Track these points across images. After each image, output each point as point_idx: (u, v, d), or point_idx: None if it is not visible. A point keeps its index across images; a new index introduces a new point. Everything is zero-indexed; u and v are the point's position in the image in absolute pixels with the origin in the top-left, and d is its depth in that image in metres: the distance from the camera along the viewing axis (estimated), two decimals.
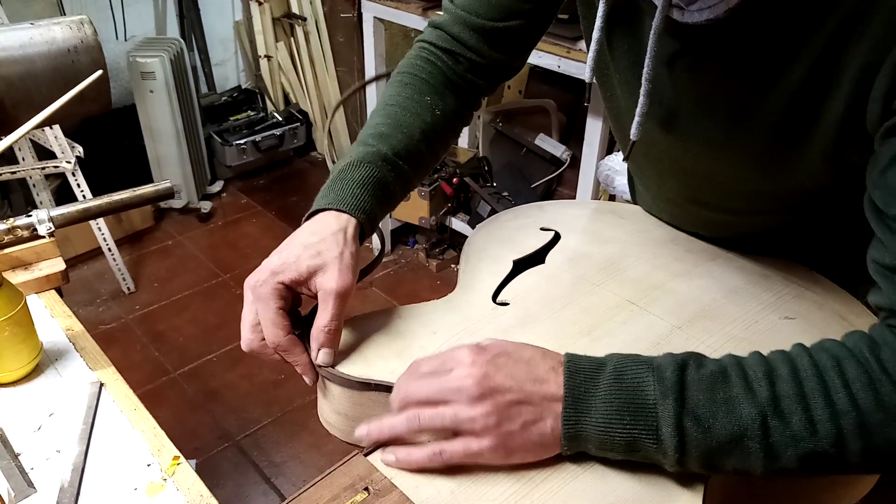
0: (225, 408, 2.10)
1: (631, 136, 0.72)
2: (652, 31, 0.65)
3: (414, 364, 0.62)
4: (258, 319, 0.66)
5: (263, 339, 0.66)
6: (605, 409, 0.55)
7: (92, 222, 2.38)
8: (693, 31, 0.65)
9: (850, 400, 0.53)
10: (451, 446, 0.57)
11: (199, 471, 0.67)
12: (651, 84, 0.68)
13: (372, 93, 2.53)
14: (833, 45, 0.58)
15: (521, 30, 0.81)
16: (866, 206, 0.60)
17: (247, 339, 0.67)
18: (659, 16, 0.64)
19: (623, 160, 0.80)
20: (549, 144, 2.43)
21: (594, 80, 0.81)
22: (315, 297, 0.67)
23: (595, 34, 0.72)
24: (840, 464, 0.54)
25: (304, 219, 0.72)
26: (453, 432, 0.57)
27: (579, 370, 0.57)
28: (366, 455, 0.59)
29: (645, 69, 0.67)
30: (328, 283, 0.65)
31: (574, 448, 0.57)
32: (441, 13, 0.85)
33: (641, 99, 0.69)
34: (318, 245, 0.67)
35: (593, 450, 0.57)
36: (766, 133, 0.66)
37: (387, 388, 0.64)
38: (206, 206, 2.98)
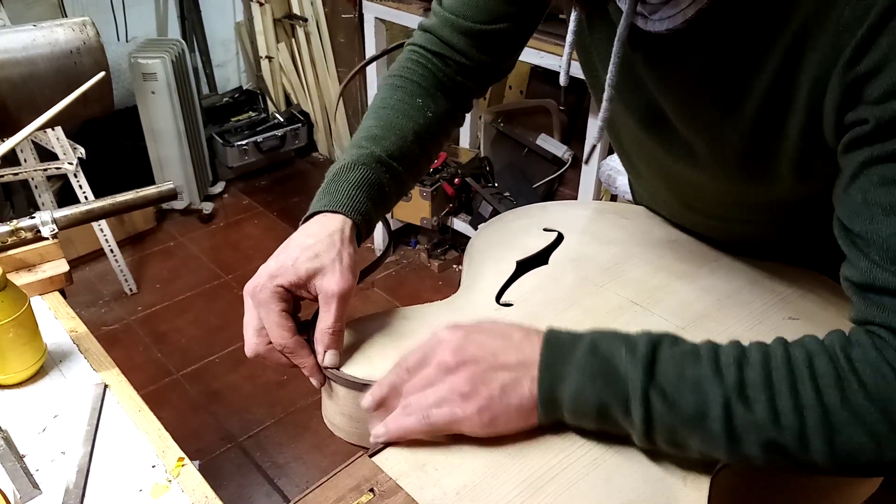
0: (228, 409, 2.10)
1: (592, 140, 0.72)
2: (616, 38, 0.65)
3: (401, 361, 0.63)
4: (262, 324, 0.66)
5: (269, 343, 0.67)
6: (579, 375, 0.57)
7: (94, 224, 2.38)
8: (657, 40, 0.65)
9: (815, 395, 0.52)
10: (438, 411, 0.59)
11: (202, 472, 0.67)
12: (614, 90, 0.67)
13: (373, 94, 2.54)
14: (789, 61, 0.58)
15: (507, 32, 0.82)
16: (834, 223, 0.59)
17: (252, 344, 0.67)
18: (624, 22, 0.64)
19: (586, 159, 0.81)
20: (551, 144, 2.43)
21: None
22: (315, 299, 0.68)
23: (568, 38, 0.72)
24: (805, 461, 0.53)
25: (301, 222, 0.72)
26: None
27: (557, 341, 0.59)
28: (371, 456, 0.59)
29: (608, 75, 0.67)
30: (329, 286, 0.66)
31: (550, 415, 0.59)
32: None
33: (604, 104, 0.68)
34: (315, 247, 0.67)
35: (568, 417, 0.58)
36: (737, 149, 0.66)
37: None
38: (207, 207, 2.98)
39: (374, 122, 0.79)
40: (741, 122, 0.64)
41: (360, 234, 0.72)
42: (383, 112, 0.80)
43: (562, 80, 0.73)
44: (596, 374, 0.56)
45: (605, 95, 0.68)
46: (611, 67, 0.66)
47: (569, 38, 0.72)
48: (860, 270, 0.55)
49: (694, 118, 0.68)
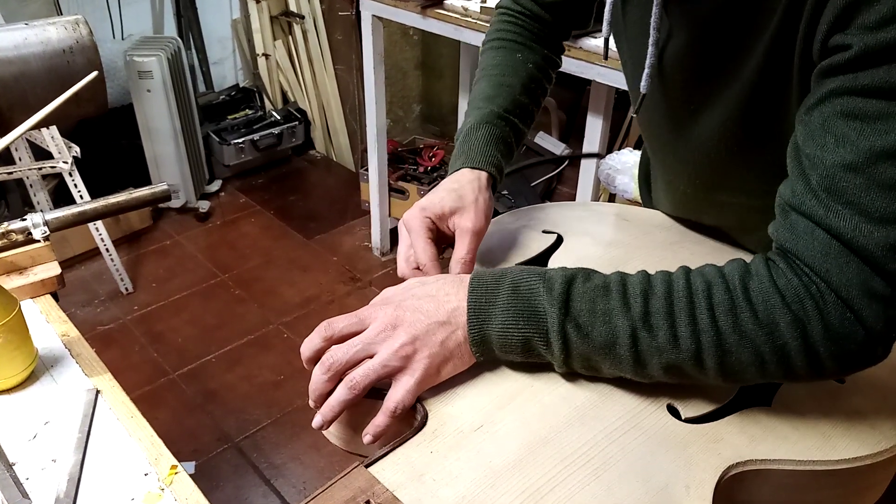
0: (224, 409, 2.09)
1: (641, 89, 0.75)
2: None
3: (326, 324, 0.66)
4: (410, 251, 0.76)
5: (415, 268, 0.75)
6: (504, 316, 0.63)
7: (89, 223, 2.37)
8: None
9: (711, 322, 0.58)
10: (394, 394, 0.63)
11: (199, 473, 0.67)
12: (658, 33, 0.71)
13: (370, 92, 2.52)
14: None
15: (570, 0, 0.93)
16: (790, 142, 0.62)
17: (401, 268, 0.77)
18: None
19: (634, 113, 0.83)
20: (549, 142, 2.42)
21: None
22: (453, 234, 0.77)
23: None
24: (698, 377, 0.61)
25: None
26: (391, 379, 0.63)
27: (480, 286, 0.65)
28: (367, 466, 0.58)
29: (653, 18, 0.70)
30: (464, 223, 0.76)
31: (483, 352, 0.65)
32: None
33: (650, 49, 0.72)
34: (459, 190, 0.78)
35: (498, 352, 0.65)
36: (752, 81, 0.67)
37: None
38: (204, 205, 2.97)
39: (486, 83, 0.89)
40: (758, 50, 0.64)
41: (496, 183, 0.82)
42: (491, 72, 0.90)
43: (604, 32, 0.79)
44: (518, 313, 0.63)
45: (651, 40, 0.72)
46: (654, 9, 0.69)
47: None
48: (794, 191, 0.59)
49: (714, 57, 0.69)
